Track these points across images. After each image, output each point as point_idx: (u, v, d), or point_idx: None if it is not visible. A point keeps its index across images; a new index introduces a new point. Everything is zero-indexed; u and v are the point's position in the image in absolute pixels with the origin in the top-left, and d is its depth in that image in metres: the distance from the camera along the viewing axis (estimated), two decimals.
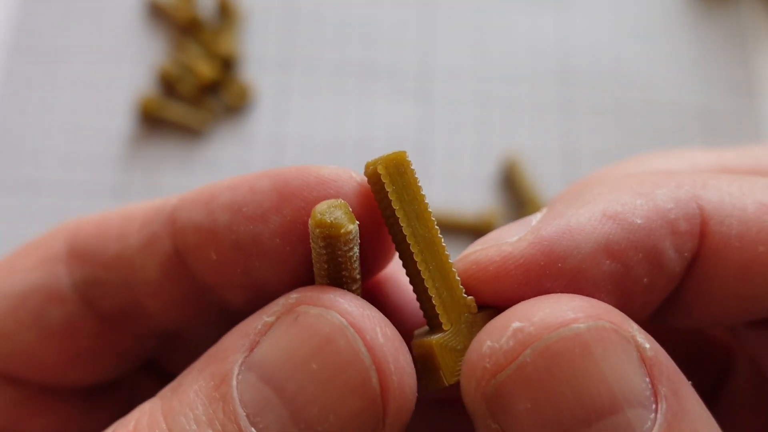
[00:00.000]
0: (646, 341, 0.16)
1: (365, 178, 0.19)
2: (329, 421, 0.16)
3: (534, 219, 0.19)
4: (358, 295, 0.18)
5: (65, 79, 0.55)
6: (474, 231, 0.50)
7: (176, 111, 0.54)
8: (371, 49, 0.57)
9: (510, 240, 0.18)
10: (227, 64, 0.56)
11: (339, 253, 0.18)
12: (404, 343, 0.17)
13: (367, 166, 0.19)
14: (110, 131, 0.54)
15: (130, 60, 0.56)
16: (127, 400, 0.25)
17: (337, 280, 0.18)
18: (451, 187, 0.53)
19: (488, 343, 0.16)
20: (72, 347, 0.22)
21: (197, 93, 0.55)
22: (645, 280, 0.18)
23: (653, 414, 0.16)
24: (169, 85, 0.55)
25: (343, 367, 0.16)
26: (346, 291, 0.18)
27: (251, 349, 0.17)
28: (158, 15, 0.58)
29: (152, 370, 0.26)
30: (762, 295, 0.18)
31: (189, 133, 0.54)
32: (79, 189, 0.52)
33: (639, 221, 0.18)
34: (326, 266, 0.18)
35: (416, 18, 0.58)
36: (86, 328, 0.22)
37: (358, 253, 0.18)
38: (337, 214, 0.17)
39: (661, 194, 0.18)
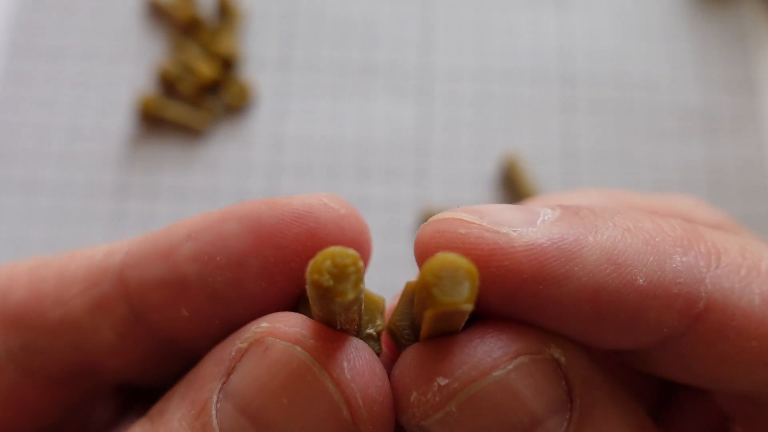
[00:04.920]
0: (562, 355, 0.17)
1: (342, 204, 0.18)
2: None
3: (537, 216, 0.18)
4: (354, 326, 0.18)
5: (65, 79, 0.55)
6: None
7: (176, 111, 0.54)
8: (371, 48, 0.57)
9: (510, 231, 0.17)
10: (227, 64, 0.56)
11: (334, 310, 0.17)
12: (377, 371, 0.17)
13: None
14: (110, 131, 0.54)
15: (130, 60, 0.56)
16: (84, 421, 0.24)
17: (330, 321, 0.17)
18: (450, 187, 0.53)
19: (415, 395, 0.17)
20: (14, 412, 0.21)
21: (197, 93, 0.54)
22: (611, 331, 0.17)
23: (568, 413, 0.17)
24: (169, 85, 0.55)
25: (313, 401, 0.17)
26: (315, 321, 0.17)
27: (227, 375, 0.17)
28: (158, 14, 0.58)
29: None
30: (737, 379, 0.18)
31: (189, 133, 0.54)
32: (79, 189, 0.52)
33: (640, 281, 0.17)
34: (320, 313, 0.17)
35: (416, 17, 0.58)
36: (28, 393, 0.21)
37: (360, 304, 0.17)
38: (341, 276, 0.15)
39: (676, 262, 0.17)
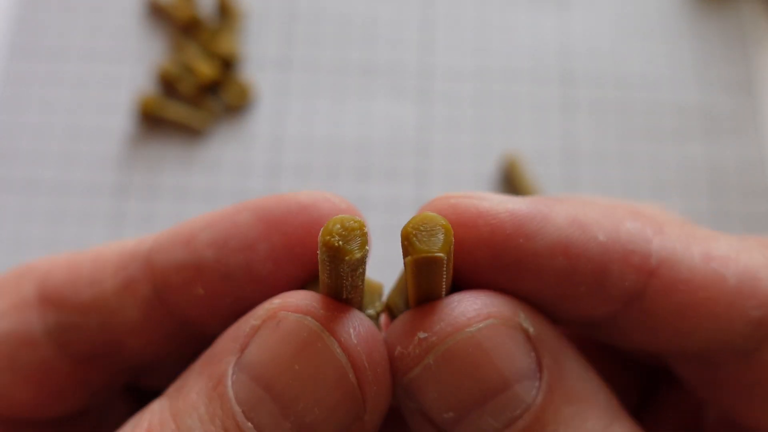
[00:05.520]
0: (531, 325, 0.19)
1: (342, 200, 0.21)
2: (315, 412, 0.18)
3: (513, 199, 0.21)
4: (358, 297, 0.19)
5: (65, 79, 0.55)
6: None
7: (176, 111, 0.54)
8: (371, 48, 0.57)
9: (493, 200, 0.20)
10: (227, 64, 0.56)
11: (342, 272, 0.18)
12: (378, 338, 0.19)
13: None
14: (110, 131, 0.54)
15: (130, 60, 0.56)
16: (99, 421, 0.26)
17: (337, 287, 0.19)
18: (450, 187, 0.53)
19: (399, 348, 0.19)
20: (46, 388, 0.23)
21: (197, 93, 0.55)
22: (583, 289, 0.20)
23: (538, 382, 0.19)
24: (169, 85, 0.55)
25: (322, 367, 0.18)
26: (323, 296, 0.19)
27: (242, 350, 0.19)
28: (158, 14, 0.58)
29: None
30: (693, 331, 0.21)
31: (189, 133, 0.54)
32: (79, 189, 0.52)
33: (601, 238, 0.20)
34: (328, 280, 0.19)
35: (416, 17, 0.58)
36: (60, 370, 0.23)
37: (364, 269, 0.19)
38: (348, 238, 0.17)
39: (628, 226, 0.20)
